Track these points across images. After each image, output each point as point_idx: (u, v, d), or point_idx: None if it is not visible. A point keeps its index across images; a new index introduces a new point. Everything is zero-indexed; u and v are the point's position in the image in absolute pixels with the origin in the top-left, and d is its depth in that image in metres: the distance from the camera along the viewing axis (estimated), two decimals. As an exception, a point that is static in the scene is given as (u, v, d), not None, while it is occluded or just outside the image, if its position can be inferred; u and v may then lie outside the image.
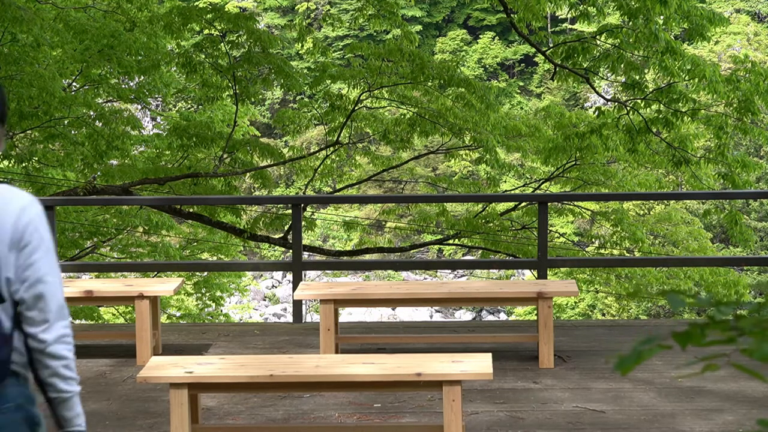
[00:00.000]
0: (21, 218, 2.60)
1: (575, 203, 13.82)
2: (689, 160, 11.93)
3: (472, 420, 5.33)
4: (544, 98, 45.72)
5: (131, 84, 14.44)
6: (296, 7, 48.77)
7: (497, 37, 49.35)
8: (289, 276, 34.69)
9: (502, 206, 13.46)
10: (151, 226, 13.33)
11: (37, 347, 2.60)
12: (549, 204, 10.56)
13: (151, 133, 17.01)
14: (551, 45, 12.50)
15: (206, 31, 12.80)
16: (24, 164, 12.94)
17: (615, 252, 15.81)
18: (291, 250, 9.33)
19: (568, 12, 12.29)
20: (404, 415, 5.47)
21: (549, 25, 39.97)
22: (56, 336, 2.61)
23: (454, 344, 6.97)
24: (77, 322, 14.38)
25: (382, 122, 12.81)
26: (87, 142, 12.64)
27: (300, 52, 25.79)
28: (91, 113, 12.94)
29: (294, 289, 7.60)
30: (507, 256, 12.92)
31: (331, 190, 18.87)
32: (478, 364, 4.79)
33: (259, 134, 19.83)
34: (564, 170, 13.22)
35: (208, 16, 12.17)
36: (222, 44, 12.13)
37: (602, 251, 15.40)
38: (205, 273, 15.43)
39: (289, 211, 11.93)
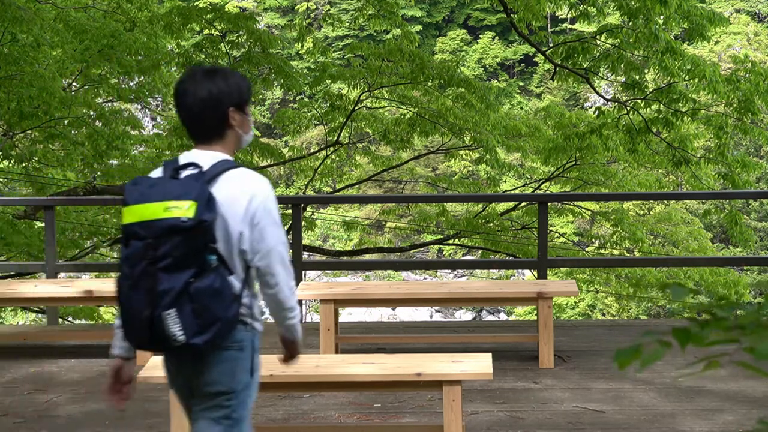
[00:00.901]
0: (252, 202, 3.25)
1: (575, 203, 13.82)
2: (689, 160, 11.93)
3: (472, 420, 5.34)
4: (544, 98, 45.73)
5: (131, 84, 14.44)
6: (296, 7, 48.78)
7: (497, 37, 49.36)
8: (289, 276, 34.63)
9: (502, 206, 13.47)
10: (151, 226, 13.32)
11: (271, 301, 3.35)
12: (549, 204, 10.56)
13: (151, 133, 17.02)
14: (551, 45, 12.51)
15: (206, 31, 12.80)
16: (24, 164, 12.95)
17: (615, 252, 15.81)
18: (291, 250, 9.33)
19: (568, 12, 12.29)
20: (404, 415, 5.47)
21: (549, 25, 39.98)
22: (287, 293, 3.34)
23: (454, 344, 6.97)
24: (77, 322, 14.38)
25: (382, 122, 12.82)
26: (87, 142, 12.64)
27: (300, 52, 25.80)
28: (91, 113, 12.94)
29: (294, 289, 7.60)
30: (507, 256, 12.92)
31: (331, 190, 18.88)
32: (478, 364, 4.79)
33: (259, 134, 19.85)
34: (564, 170, 13.22)
35: (208, 16, 12.17)
36: (222, 44, 12.13)
37: (602, 251, 15.40)
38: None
39: (289, 211, 11.92)
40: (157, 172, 3.34)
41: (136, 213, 3.21)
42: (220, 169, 3.29)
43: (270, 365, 4.87)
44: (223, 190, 3.26)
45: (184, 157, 3.37)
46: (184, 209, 3.17)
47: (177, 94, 3.39)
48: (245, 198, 3.26)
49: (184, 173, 3.27)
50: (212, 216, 3.20)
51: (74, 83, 13.66)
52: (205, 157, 3.34)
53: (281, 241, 3.30)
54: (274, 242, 3.28)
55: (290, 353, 3.58)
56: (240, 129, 3.40)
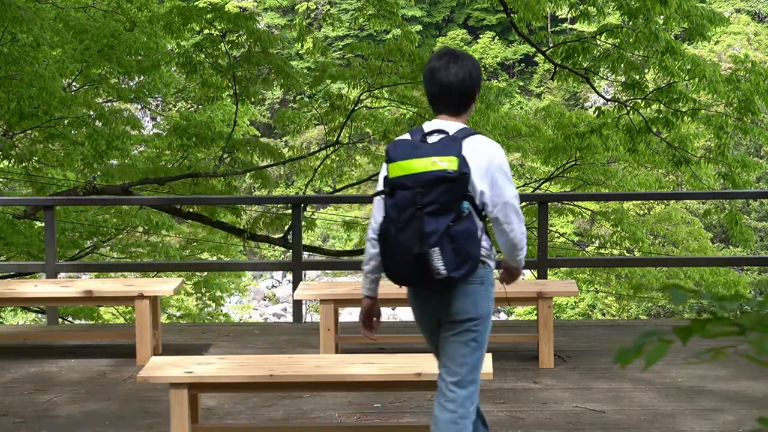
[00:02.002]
0: (492, 162, 3.90)
1: (575, 203, 13.81)
2: (689, 160, 11.93)
3: (472, 420, 5.33)
4: (544, 98, 45.72)
5: (131, 84, 14.45)
6: (296, 7, 48.78)
7: (497, 37, 49.36)
8: (289, 276, 34.67)
9: (501, 206, 13.44)
10: (151, 226, 13.33)
11: (506, 244, 4.00)
12: (549, 204, 10.56)
13: (151, 133, 17.02)
14: (551, 45, 12.51)
15: (206, 31, 12.79)
16: (24, 164, 12.95)
17: (615, 252, 15.82)
18: (291, 250, 9.32)
19: (568, 12, 12.29)
20: (404, 415, 5.47)
21: (549, 25, 39.96)
22: (519, 237, 3.99)
23: (454, 344, 6.96)
24: (77, 322, 14.38)
25: (382, 122, 12.81)
26: (87, 142, 12.64)
27: (300, 52, 25.77)
28: (91, 113, 12.94)
29: (294, 289, 7.60)
30: (507, 256, 12.90)
31: (331, 190, 18.87)
32: (479, 364, 4.78)
33: (259, 134, 19.82)
34: (564, 170, 13.22)
35: (208, 16, 12.16)
36: (222, 44, 12.12)
37: (602, 251, 15.40)
38: (205, 273, 15.42)
39: (289, 211, 11.92)
40: (405, 137, 4.01)
41: (403, 167, 3.89)
42: (464, 134, 3.94)
43: (270, 365, 4.87)
44: (469, 151, 3.89)
45: (428, 125, 4.01)
46: (448, 163, 3.85)
47: (433, 71, 4.04)
48: (486, 159, 3.90)
49: (431, 138, 3.95)
50: (469, 170, 3.87)
51: (74, 83, 13.66)
52: (449, 126, 3.99)
53: (515, 195, 3.95)
54: (510, 197, 3.92)
55: (512, 277, 4.23)
56: (473, 106, 4.12)
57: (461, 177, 3.85)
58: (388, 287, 7.28)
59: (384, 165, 3.99)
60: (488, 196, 3.91)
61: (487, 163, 3.91)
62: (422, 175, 3.86)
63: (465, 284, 3.96)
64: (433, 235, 3.84)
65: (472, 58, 4.12)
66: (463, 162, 3.86)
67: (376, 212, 4.02)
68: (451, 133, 3.94)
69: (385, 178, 3.95)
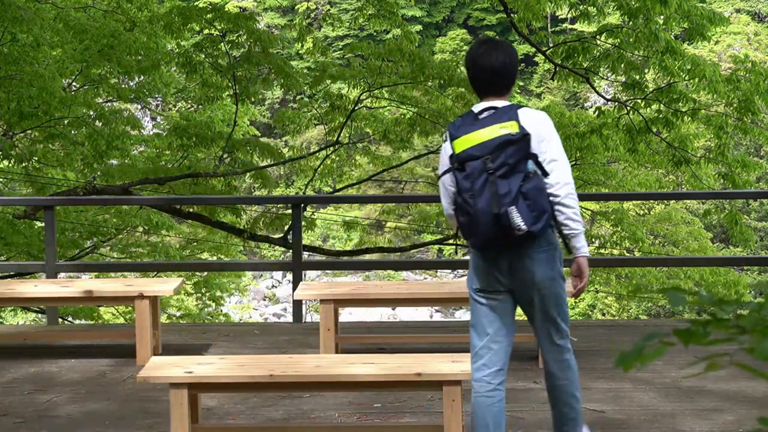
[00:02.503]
0: (542, 130, 4.29)
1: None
2: (689, 160, 11.93)
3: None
4: (544, 98, 45.73)
5: (131, 84, 14.45)
6: (296, 7, 48.77)
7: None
8: (289, 276, 34.65)
9: (502, 206, 13.43)
10: (151, 226, 13.33)
11: (555, 201, 4.28)
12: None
13: (151, 133, 17.02)
14: (551, 45, 12.51)
15: (206, 31, 12.79)
16: (24, 164, 12.95)
17: (615, 252, 15.81)
18: (291, 250, 9.32)
19: (568, 12, 12.29)
20: (404, 415, 5.47)
21: (549, 25, 39.95)
22: (566, 193, 4.28)
23: (454, 344, 6.97)
24: (77, 322, 14.38)
25: (382, 122, 12.81)
26: (87, 142, 12.64)
27: (300, 52, 25.77)
28: (91, 113, 12.94)
29: (294, 289, 7.60)
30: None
31: (331, 190, 18.87)
32: (479, 364, 4.78)
33: (259, 134, 19.82)
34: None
35: (208, 16, 12.16)
36: (222, 44, 12.12)
37: (602, 251, 15.40)
38: (205, 273, 15.42)
39: (289, 211, 11.93)
40: (459, 119, 4.41)
41: (469, 140, 4.29)
42: (514, 107, 4.34)
43: (270, 365, 4.87)
44: (524, 118, 4.30)
45: (477, 107, 4.39)
46: (510, 128, 4.26)
47: (475, 58, 4.46)
48: (536, 125, 4.29)
49: (483, 115, 4.33)
50: (529, 132, 4.26)
51: (74, 83, 13.66)
52: (496, 103, 4.39)
53: (564, 157, 4.34)
54: (558, 155, 4.31)
55: (581, 273, 4.54)
56: (512, 87, 4.54)
57: (524, 138, 4.25)
58: (387, 287, 7.29)
59: (445, 146, 4.38)
60: (544, 158, 4.29)
61: (541, 127, 4.31)
62: (488, 143, 4.26)
63: (538, 249, 4.34)
64: (508, 196, 4.22)
65: (510, 45, 4.57)
66: (522, 126, 4.28)
67: (443, 197, 4.45)
68: (501, 107, 4.35)
69: (451, 156, 4.32)
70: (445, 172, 4.37)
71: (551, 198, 4.29)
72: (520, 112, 4.33)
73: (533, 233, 4.23)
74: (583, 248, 4.43)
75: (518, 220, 4.21)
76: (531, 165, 4.27)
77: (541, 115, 4.37)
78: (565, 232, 4.37)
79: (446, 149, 4.37)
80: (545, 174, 4.29)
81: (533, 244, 4.32)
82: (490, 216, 4.24)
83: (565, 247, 4.46)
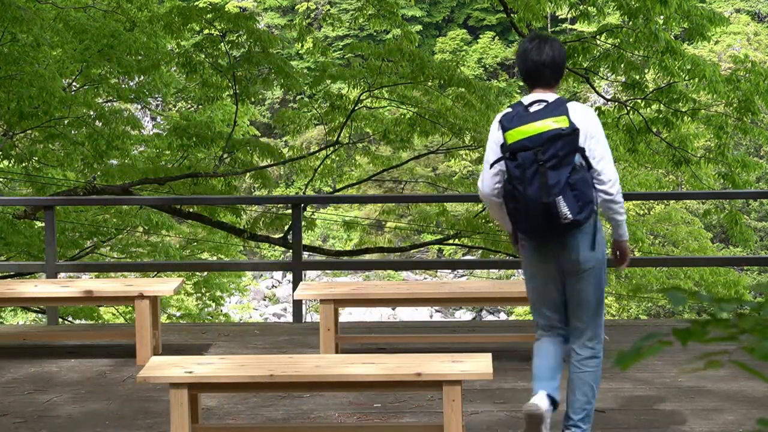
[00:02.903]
0: (590, 124, 4.70)
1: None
2: (689, 160, 11.93)
3: (472, 420, 5.33)
4: (544, 98, 45.65)
5: (131, 84, 14.44)
6: (296, 7, 48.77)
7: (497, 37, 49.33)
8: (289, 276, 34.63)
9: (502, 206, 13.42)
10: (151, 226, 13.33)
11: (604, 197, 4.66)
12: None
13: (151, 133, 17.02)
14: (551, 45, 12.47)
15: (206, 31, 12.79)
16: (24, 164, 12.94)
17: (615, 252, 15.78)
18: (291, 250, 9.32)
19: (568, 12, 12.29)
20: (404, 415, 5.47)
21: (549, 25, 39.95)
22: (617, 190, 4.68)
23: (454, 344, 6.96)
24: (77, 322, 14.38)
25: (382, 122, 12.81)
26: (87, 142, 12.63)
27: (300, 52, 25.78)
28: (91, 113, 12.94)
29: (294, 289, 7.60)
30: (507, 256, 12.90)
31: (331, 190, 18.87)
32: (478, 364, 4.79)
33: (259, 134, 19.83)
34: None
35: (208, 16, 12.16)
36: (222, 44, 12.12)
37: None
38: (205, 273, 15.42)
39: (289, 211, 11.93)
40: (509, 110, 4.72)
41: (522, 132, 4.60)
42: (565, 100, 4.70)
43: (270, 365, 4.87)
44: (573, 113, 4.67)
45: (527, 99, 4.74)
46: (561, 122, 4.60)
47: (526, 52, 4.83)
48: (584, 121, 4.68)
49: (533, 108, 4.66)
50: (578, 127, 4.62)
51: (74, 83, 13.66)
52: (546, 96, 4.73)
53: (609, 154, 4.74)
54: (605, 152, 4.71)
55: (623, 255, 4.88)
56: (560, 80, 4.93)
57: (573, 133, 4.61)
58: (387, 287, 7.29)
59: (496, 135, 4.71)
60: (591, 151, 4.66)
61: (586, 124, 4.68)
62: (540, 136, 4.59)
63: (583, 234, 4.69)
64: (556, 186, 4.56)
65: (557, 40, 4.98)
66: (571, 121, 4.64)
67: (485, 180, 4.78)
68: (551, 101, 4.70)
69: (503, 146, 4.65)
70: (497, 161, 4.70)
71: (603, 195, 4.66)
72: (570, 107, 4.69)
73: (578, 221, 4.59)
74: (625, 234, 4.84)
75: (565, 209, 4.56)
76: (578, 158, 4.62)
77: (588, 112, 4.77)
78: (613, 224, 4.79)
79: (496, 138, 4.70)
80: (590, 167, 4.66)
81: (578, 231, 4.66)
82: (538, 204, 4.57)
83: (613, 233, 4.88)
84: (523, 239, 4.83)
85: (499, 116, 4.74)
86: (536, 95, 4.74)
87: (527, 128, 4.60)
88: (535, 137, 4.58)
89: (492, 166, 4.71)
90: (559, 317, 4.93)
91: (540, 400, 4.83)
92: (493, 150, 4.71)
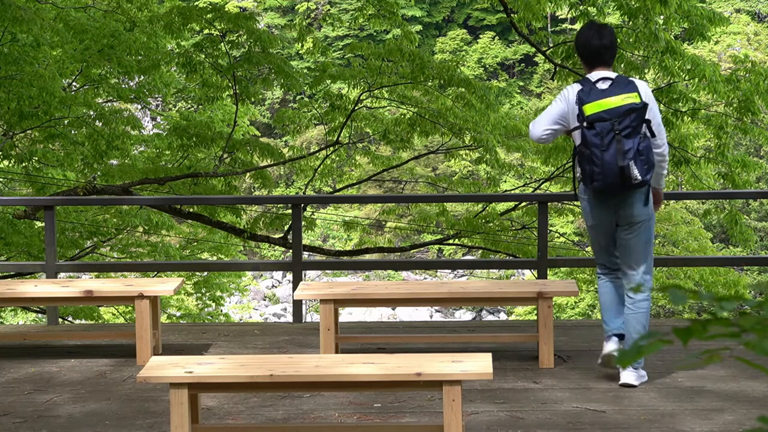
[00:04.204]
0: (649, 96, 5.69)
1: (575, 203, 13.79)
2: (689, 160, 11.92)
3: (472, 420, 5.33)
4: (544, 98, 45.72)
5: (131, 84, 14.44)
6: (296, 7, 48.77)
7: (497, 37, 49.35)
8: (289, 276, 34.65)
9: (502, 206, 13.45)
10: (151, 226, 13.33)
11: (658, 159, 5.75)
12: (549, 204, 10.55)
13: (151, 133, 17.01)
14: (551, 45, 12.50)
15: (206, 31, 12.79)
16: (24, 164, 12.94)
17: (615, 252, 15.78)
18: (291, 250, 9.32)
19: (568, 12, 12.27)
20: (404, 415, 5.47)
21: (549, 25, 39.96)
22: (667, 151, 5.82)
23: (454, 344, 6.97)
24: (77, 322, 14.38)
25: (382, 122, 12.80)
26: (87, 142, 12.63)
27: (300, 52, 25.76)
28: (91, 113, 12.93)
29: (294, 289, 7.60)
30: (507, 256, 12.91)
31: (331, 190, 18.87)
32: (478, 364, 4.79)
33: (259, 134, 19.83)
34: (564, 170, 13.20)
35: (208, 16, 12.16)
36: (222, 44, 12.12)
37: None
38: (205, 273, 15.42)
39: (289, 211, 11.92)
40: (578, 87, 5.71)
41: (600, 105, 5.59)
42: (628, 79, 5.70)
43: (270, 365, 4.87)
44: (641, 93, 5.65)
45: (593, 76, 5.71)
46: (634, 98, 5.59)
47: (588, 38, 5.78)
48: (649, 97, 5.69)
49: (601, 84, 5.65)
50: (646, 102, 5.62)
51: (74, 83, 13.66)
52: (608, 74, 5.71)
53: (660, 118, 5.78)
54: (660, 120, 5.76)
55: (658, 200, 5.97)
56: None
57: (644, 107, 5.60)
58: (387, 287, 7.29)
59: (571, 104, 5.71)
60: (652, 120, 5.66)
61: (650, 97, 5.68)
62: (617, 109, 5.58)
63: (641, 192, 5.74)
64: (630, 152, 5.55)
65: (610, 26, 6.01)
66: (642, 97, 5.60)
67: (542, 125, 5.79)
68: (615, 78, 5.66)
69: (581, 116, 5.63)
70: (575, 129, 5.70)
71: (658, 156, 5.74)
72: (638, 84, 5.69)
73: (645, 182, 5.63)
74: (663, 185, 5.98)
75: (635, 171, 5.57)
76: (644, 128, 5.61)
77: (648, 88, 5.77)
78: (658, 176, 5.83)
79: (571, 107, 5.72)
80: (653, 135, 5.66)
81: (638, 189, 5.69)
82: (615, 167, 5.56)
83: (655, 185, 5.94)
84: (586, 193, 5.82)
85: (574, 89, 5.74)
86: (600, 73, 5.71)
87: (605, 102, 5.59)
88: (613, 110, 5.57)
89: (555, 123, 5.76)
90: (613, 260, 5.96)
91: (611, 346, 5.95)
92: (559, 111, 5.76)
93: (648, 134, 5.61)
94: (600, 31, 5.78)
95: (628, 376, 5.88)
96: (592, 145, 5.57)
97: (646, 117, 5.59)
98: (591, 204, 5.83)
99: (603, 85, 5.63)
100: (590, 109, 5.59)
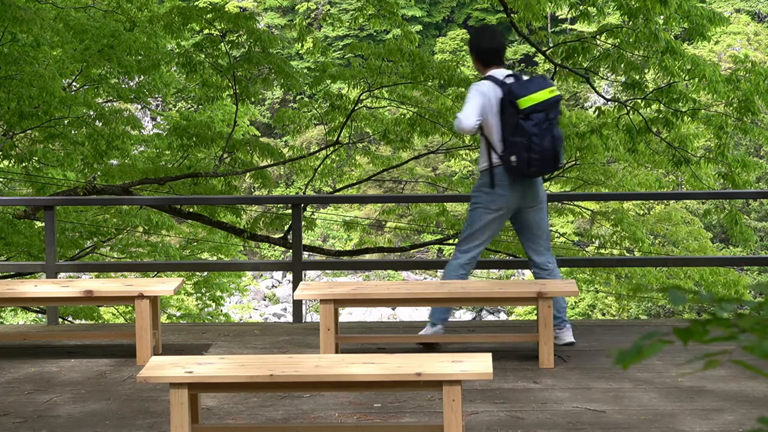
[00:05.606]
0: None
1: (575, 203, 13.80)
2: (689, 160, 11.91)
3: (472, 420, 5.33)
4: (544, 98, 45.63)
5: (131, 84, 14.44)
6: (296, 7, 48.77)
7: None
8: (289, 276, 34.63)
9: (502, 206, 13.41)
10: (151, 226, 13.33)
11: (558, 141, 6.42)
12: (549, 204, 10.53)
13: (151, 133, 17.02)
14: (551, 45, 12.50)
15: (206, 31, 12.79)
16: (24, 164, 12.94)
17: (615, 252, 15.81)
18: (291, 250, 9.32)
19: (568, 12, 12.29)
20: (404, 415, 5.47)
21: (549, 25, 39.95)
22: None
23: (454, 344, 6.97)
24: (77, 322, 14.38)
25: (382, 122, 12.80)
26: (87, 142, 12.63)
27: (300, 52, 25.76)
28: (91, 113, 12.93)
29: (294, 289, 7.60)
30: (507, 256, 12.91)
31: (331, 190, 18.87)
32: (478, 364, 4.79)
33: (259, 134, 19.83)
34: (564, 170, 13.20)
35: (208, 16, 12.15)
36: (222, 44, 12.11)
37: (602, 251, 15.39)
38: (205, 273, 15.42)
39: (289, 211, 11.92)
40: (488, 83, 6.35)
41: (533, 99, 6.20)
42: (542, 75, 6.49)
43: (270, 365, 4.87)
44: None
45: (499, 74, 6.39)
46: (556, 91, 6.33)
47: (487, 38, 6.55)
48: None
49: (509, 80, 6.30)
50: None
51: (74, 83, 13.66)
52: (507, 71, 6.42)
53: None
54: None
55: None
56: None
57: (560, 98, 6.34)
58: (387, 287, 7.28)
59: (486, 99, 6.32)
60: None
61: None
62: (548, 101, 6.24)
63: (541, 178, 6.55)
64: (560, 138, 6.31)
65: (500, 29, 6.82)
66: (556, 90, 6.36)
67: (474, 118, 6.30)
68: (514, 74, 6.36)
69: (515, 108, 6.21)
70: (506, 121, 6.28)
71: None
72: (550, 80, 6.45)
73: (563, 165, 6.55)
74: None
75: (562, 156, 6.38)
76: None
77: None
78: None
79: (496, 98, 6.30)
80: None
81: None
82: (552, 152, 6.24)
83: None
84: (505, 182, 6.39)
85: (492, 85, 6.31)
86: (501, 71, 6.42)
87: (538, 95, 6.19)
88: (545, 102, 6.20)
89: (480, 115, 6.30)
90: (481, 252, 6.79)
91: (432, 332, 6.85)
92: (482, 105, 6.31)
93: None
94: (493, 34, 6.53)
95: (568, 335, 6.75)
96: (531, 135, 6.16)
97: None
98: (504, 190, 6.40)
99: (510, 80, 6.29)
100: (525, 102, 6.18)
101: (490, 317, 37.24)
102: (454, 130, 7.06)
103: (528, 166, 6.22)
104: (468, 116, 6.28)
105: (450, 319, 7.26)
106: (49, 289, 7.11)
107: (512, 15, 11.70)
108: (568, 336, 6.77)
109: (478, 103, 6.28)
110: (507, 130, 6.26)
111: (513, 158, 6.26)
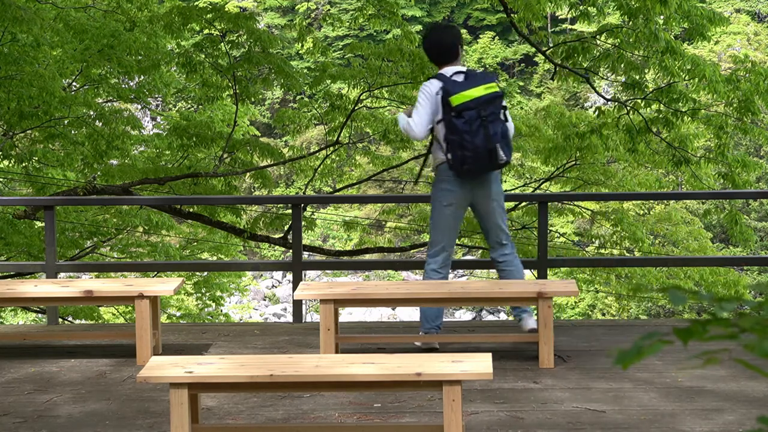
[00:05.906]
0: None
1: (575, 203, 13.81)
2: (689, 160, 11.92)
3: (472, 420, 5.33)
4: (544, 98, 45.71)
5: (131, 84, 14.44)
6: (296, 7, 48.76)
7: (497, 37, 49.33)
8: (289, 276, 34.64)
9: (502, 206, 13.41)
10: (151, 226, 13.33)
11: (510, 135, 6.51)
12: (549, 204, 10.54)
13: (151, 133, 17.02)
14: (551, 45, 12.50)
15: (206, 31, 12.78)
16: (24, 164, 12.94)
17: (615, 252, 15.81)
18: (291, 250, 9.32)
19: (568, 12, 12.29)
20: (404, 415, 5.47)
21: (549, 25, 39.95)
22: (513, 130, 6.49)
23: (454, 344, 6.97)
24: (77, 322, 14.38)
25: (382, 122, 12.80)
26: (87, 142, 12.63)
27: (300, 52, 25.76)
28: (91, 113, 12.93)
29: (294, 289, 7.60)
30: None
31: (331, 190, 18.87)
32: (478, 364, 4.79)
33: (259, 134, 19.83)
34: (564, 170, 13.21)
35: (208, 16, 12.15)
36: (222, 44, 12.11)
37: (602, 251, 15.40)
38: (205, 273, 15.41)
39: (289, 211, 11.92)
40: (437, 83, 6.31)
41: (465, 96, 6.18)
42: (485, 72, 6.55)
43: (270, 365, 4.87)
44: (498, 83, 6.35)
45: (448, 71, 6.37)
46: (494, 87, 6.26)
47: (437, 37, 6.52)
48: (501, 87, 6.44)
49: (457, 77, 6.29)
50: (503, 91, 6.28)
51: (74, 83, 13.66)
52: (461, 68, 6.39)
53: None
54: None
55: None
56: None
57: (502, 94, 6.28)
58: (387, 287, 7.28)
59: (435, 98, 6.28)
60: (506, 108, 6.40)
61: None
62: (481, 98, 6.19)
63: (498, 173, 6.52)
64: (496, 136, 6.18)
65: (454, 27, 6.75)
66: (498, 86, 6.27)
67: (423, 124, 6.31)
68: (466, 71, 6.32)
69: (449, 107, 6.19)
70: (440, 120, 6.28)
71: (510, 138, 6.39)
72: (493, 76, 6.37)
73: (508, 162, 6.35)
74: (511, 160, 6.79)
75: (501, 153, 6.24)
76: (503, 114, 6.28)
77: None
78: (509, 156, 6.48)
79: (436, 100, 6.28)
80: (506, 119, 6.32)
81: (501, 168, 6.40)
82: (485, 150, 6.18)
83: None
84: (446, 176, 6.38)
85: (434, 84, 6.30)
86: (452, 68, 6.38)
87: (470, 93, 6.17)
88: (477, 99, 6.18)
89: (430, 122, 6.32)
90: (452, 246, 6.78)
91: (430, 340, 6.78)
92: (430, 109, 6.30)
93: (504, 119, 6.28)
94: (444, 32, 6.53)
95: (531, 321, 6.81)
96: (462, 132, 6.16)
97: (503, 104, 6.29)
98: (451, 185, 6.43)
99: (459, 78, 6.28)
100: (456, 100, 6.18)
101: (490, 317, 37.25)
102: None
103: (461, 164, 6.25)
104: (419, 126, 6.30)
105: (450, 319, 7.28)
106: (49, 289, 7.11)
107: (512, 15, 11.70)
108: (531, 323, 6.83)
109: (427, 109, 6.29)
110: (446, 128, 6.29)
111: (449, 156, 6.32)
